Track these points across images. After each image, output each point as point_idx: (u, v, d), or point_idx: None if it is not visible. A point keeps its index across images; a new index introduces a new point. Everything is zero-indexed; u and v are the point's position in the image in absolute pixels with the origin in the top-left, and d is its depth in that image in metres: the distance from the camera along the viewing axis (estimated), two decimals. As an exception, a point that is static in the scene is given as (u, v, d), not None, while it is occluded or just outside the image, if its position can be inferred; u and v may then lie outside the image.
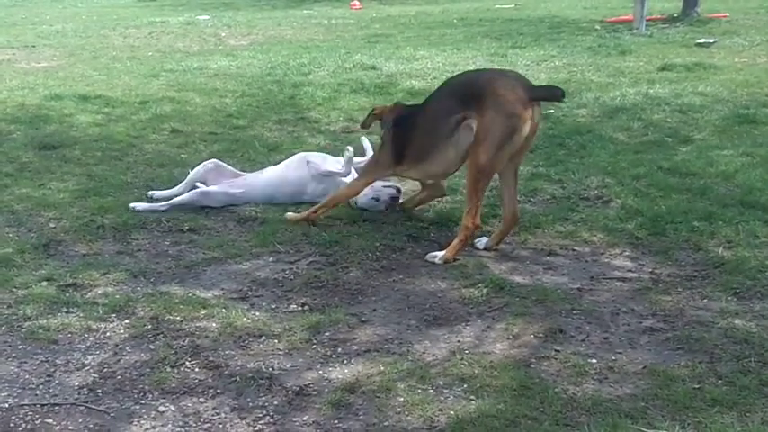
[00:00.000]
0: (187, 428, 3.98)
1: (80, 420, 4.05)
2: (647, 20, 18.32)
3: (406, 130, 6.38)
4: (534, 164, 7.89)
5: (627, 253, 6.02)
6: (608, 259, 5.93)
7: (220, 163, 7.42)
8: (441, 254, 5.97)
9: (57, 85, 12.96)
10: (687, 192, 7.07)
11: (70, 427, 4.01)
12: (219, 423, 4.02)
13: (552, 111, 9.93)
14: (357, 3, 28.80)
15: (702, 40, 16.01)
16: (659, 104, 10.45)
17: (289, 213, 6.71)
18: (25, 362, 4.58)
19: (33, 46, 18.78)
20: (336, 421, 4.01)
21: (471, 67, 12.95)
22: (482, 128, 5.87)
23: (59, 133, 9.70)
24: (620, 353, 4.60)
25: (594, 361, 4.50)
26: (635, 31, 17.74)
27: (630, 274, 5.66)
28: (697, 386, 4.22)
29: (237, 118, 10.43)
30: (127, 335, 4.87)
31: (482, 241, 6.20)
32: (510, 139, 5.84)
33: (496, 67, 12.92)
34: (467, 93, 6.08)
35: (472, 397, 4.16)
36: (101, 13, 27.98)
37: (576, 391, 4.20)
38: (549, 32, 18.36)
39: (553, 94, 6.29)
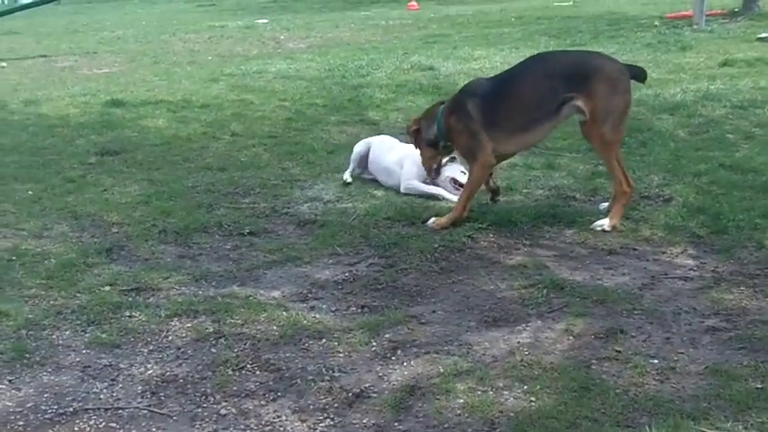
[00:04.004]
0: (248, 431, 4.01)
1: (143, 424, 4.09)
2: (707, 15, 18.14)
3: (497, 104, 6.57)
4: (594, 162, 7.85)
5: (688, 251, 5.97)
6: (669, 258, 5.88)
7: None
8: (606, 221, 6.39)
9: (118, 90, 13.13)
10: (749, 189, 7.00)
11: (133, 431, 4.06)
12: (280, 425, 4.03)
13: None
14: (415, 3, 28.86)
15: (763, 35, 15.82)
16: (720, 100, 10.35)
17: (431, 221, 6.67)
18: (89, 366, 4.63)
19: (95, 52, 19.04)
20: (396, 423, 4.01)
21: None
22: (599, 107, 6.31)
23: (121, 138, 9.82)
24: (681, 353, 4.55)
25: (656, 361, 4.47)
26: (695, 26, 17.58)
27: (692, 273, 5.61)
28: (760, 386, 4.17)
29: (297, 120, 10.48)
30: (189, 338, 4.91)
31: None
32: (626, 112, 6.46)
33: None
34: (572, 74, 6.43)
35: (532, 398, 4.15)
36: (161, 19, 28.25)
37: (638, 392, 4.16)
38: (608, 29, 18.26)
39: (642, 73, 6.65)
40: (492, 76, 7.23)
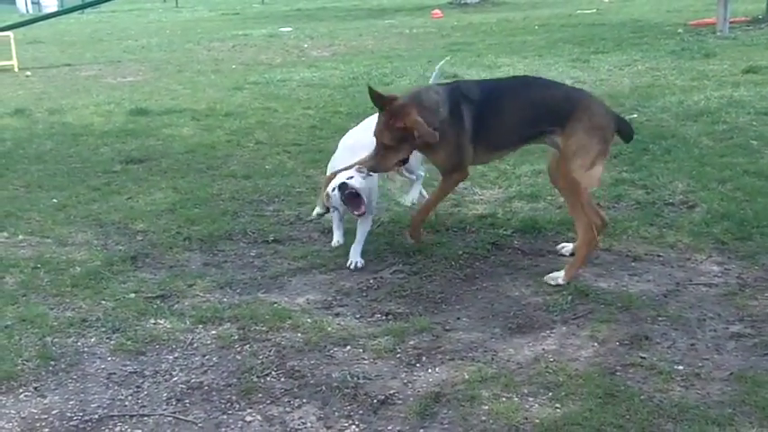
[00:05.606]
0: (273, 437, 4.03)
1: (168, 431, 4.11)
2: (730, 22, 18.06)
3: (484, 117, 5.93)
4: (619, 169, 7.84)
5: (713, 258, 5.94)
6: (694, 264, 5.86)
7: None
8: (561, 274, 5.68)
9: (142, 99, 13.19)
10: (774, 195, 6.97)
11: (159, 437, 4.07)
12: (305, 432, 4.06)
13: (635, 116, 9.86)
14: (438, 11, 28.84)
15: (787, 42, 15.78)
16: (744, 107, 10.30)
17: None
18: (114, 373, 4.65)
19: (119, 61, 19.12)
20: (421, 429, 4.01)
21: (553, 74, 12.92)
22: (574, 148, 5.69)
23: (146, 147, 9.86)
24: (706, 359, 4.54)
25: (681, 367, 4.46)
26: (718, 33, 17.52)
27: (717, 279, 5.59)
28: (786, 392, 4.16)
29: (321, 128, 10.49)
30: (214, 345, 4.93)
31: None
32: (602, 158, 5.73)
33: (578, 72, 12.90)
34: (554, 109, 5.80)
35: (557, 405, 4.14)
36: (185, 27, 28.34)
37: (663, 398, 4.16)
38: (632, 37, 18.22)
39: (627, 130, 6.00)
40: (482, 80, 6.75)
